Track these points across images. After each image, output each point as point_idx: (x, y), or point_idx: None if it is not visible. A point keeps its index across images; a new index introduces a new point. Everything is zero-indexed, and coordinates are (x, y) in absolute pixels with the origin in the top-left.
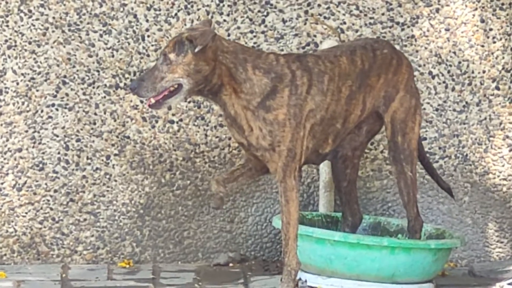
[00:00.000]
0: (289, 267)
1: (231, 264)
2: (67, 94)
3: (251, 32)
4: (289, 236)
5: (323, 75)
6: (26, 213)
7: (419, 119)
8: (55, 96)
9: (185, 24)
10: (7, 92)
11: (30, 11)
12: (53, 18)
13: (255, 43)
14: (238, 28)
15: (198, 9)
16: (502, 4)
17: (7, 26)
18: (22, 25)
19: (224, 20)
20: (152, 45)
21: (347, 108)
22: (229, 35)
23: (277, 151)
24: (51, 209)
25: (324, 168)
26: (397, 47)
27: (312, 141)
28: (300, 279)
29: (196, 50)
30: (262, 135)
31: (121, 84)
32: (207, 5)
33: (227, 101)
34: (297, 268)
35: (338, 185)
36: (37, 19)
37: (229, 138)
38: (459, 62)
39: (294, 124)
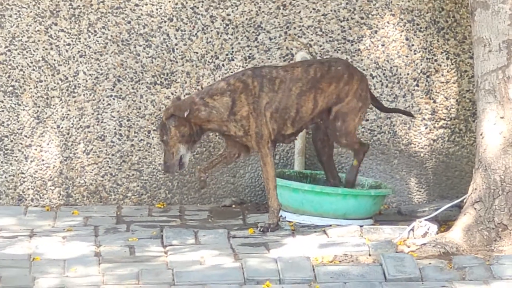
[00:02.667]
0: (272, 208)
1: (233, 206)
2: (120, 88)
3: (248, 46)
4: (270, 187)
5: (275, 79)
6: (92, 170)
7: (360, 115)
8: (112, 90)
9: (202, 41)
10: (79, 87)
11: (95, 31)
12: (111, 36)
13: (250, 54)
14: (239, 43)
15: (211, 30)
16: (421, 27)
17: (79, 41)
18: (90, 41)
19: (229, 38)
20: (179, 55)
21: (298, 102)
22: (232, 48)
23: (249, 135)
24: (110, 167)
25: (298, 140)
26: (348, 57)
27: (275, 124)
28: (281, 216)
29: (186, 115)
30: (237, 129)
31: (158, 82)
32: (217, 28)
33: (210, 127)
34: (278, 208)
35: (320, 159)
36: (100, 37)
37: None
38: (391, 67)
39: (256, 115)
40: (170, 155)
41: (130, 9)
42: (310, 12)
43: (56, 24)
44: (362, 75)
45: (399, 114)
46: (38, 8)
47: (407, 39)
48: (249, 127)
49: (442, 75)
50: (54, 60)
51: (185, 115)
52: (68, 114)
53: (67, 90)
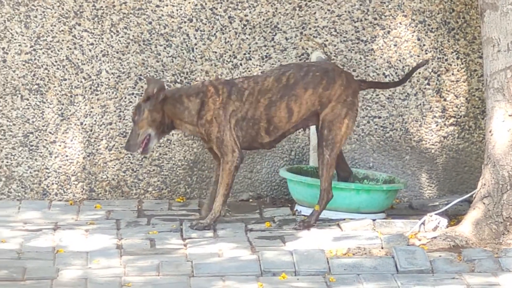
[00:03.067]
0: (214, 212)
1: (251, 200)
2: (142, 87)
3: (265, 46)
4: (220, 192)
5: (244, 90)
6: (115, 165)
7: (347, 122)
8: (134, 88)
9: (221, 40)
10: (102, 85)
11: (117, 31)
12: (133, 36)
13: (267, 53)
14: (256, 43)
15: (229, 31)
16: (432, 28)
17: (102, 41)
18: (112, 40)
19: (247, 38)
20: (199, 55)
21: (267, 113)
22: (250, 47)
23: (212, 139)
24: (131, 163)
25: (313, 136)
26: (361, 57)
27: (241, 132)
28: (296, 210)
29: (155, 91)
30: (203, 132)
31: (178, 80)
32: (235, 28)
33: (181, 127)
34: (218, 215)
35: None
36: (122, 37)
37: None
38: (403, 67)
39: (220, 120)
40: (135, 136)
41: (151, 10)
42: (325, 13)
43: (79, 25)
44: (348, 80)
45: (410, 112)
46: (63, 9)
47: (418, 39)
48: (211, 132)
49: (453, 74)
50: (78, 59)
51: (154, 91)
52: (91, 112)
53: (90, 88)
